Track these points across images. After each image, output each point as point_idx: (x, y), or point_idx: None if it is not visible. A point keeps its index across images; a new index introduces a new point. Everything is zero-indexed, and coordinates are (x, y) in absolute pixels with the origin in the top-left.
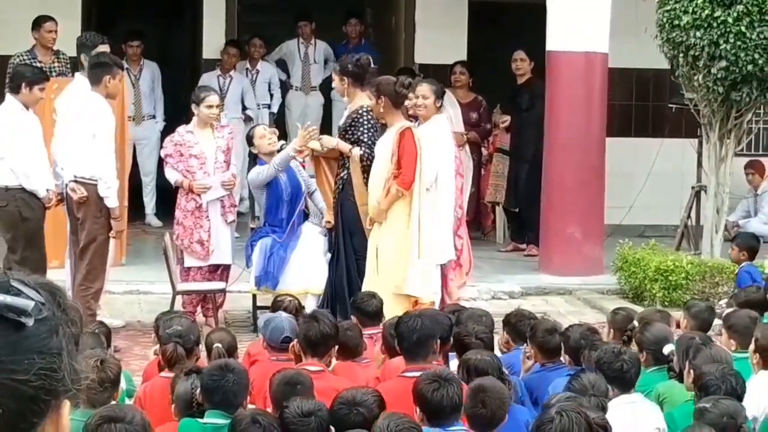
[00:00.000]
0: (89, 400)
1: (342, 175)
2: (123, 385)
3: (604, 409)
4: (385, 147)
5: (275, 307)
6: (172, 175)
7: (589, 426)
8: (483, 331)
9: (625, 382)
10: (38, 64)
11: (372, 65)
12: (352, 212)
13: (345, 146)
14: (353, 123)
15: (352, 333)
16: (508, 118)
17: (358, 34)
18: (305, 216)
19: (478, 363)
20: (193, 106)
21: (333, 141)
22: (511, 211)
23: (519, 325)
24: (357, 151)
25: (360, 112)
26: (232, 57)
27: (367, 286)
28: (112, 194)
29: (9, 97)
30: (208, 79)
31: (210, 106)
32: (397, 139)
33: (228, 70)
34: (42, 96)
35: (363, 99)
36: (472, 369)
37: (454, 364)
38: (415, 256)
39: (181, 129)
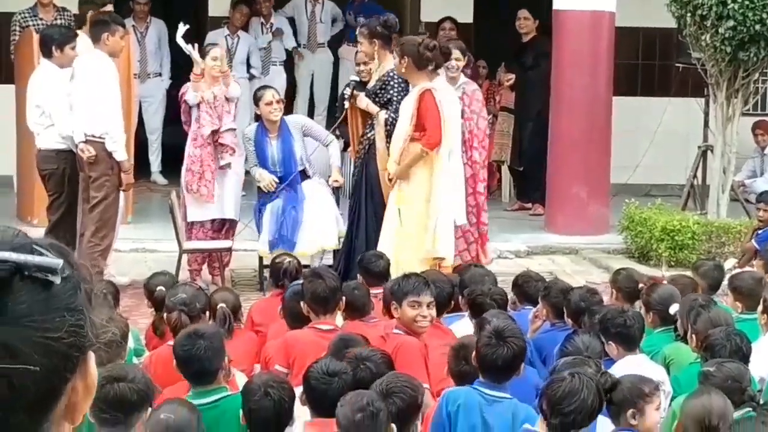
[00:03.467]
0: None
1: (369, 135)
2: (131, 344)
3: (600, 371)
4: (406, 109)
5: (274, 267)
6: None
7: (598, 391)
8: (498, 293)
9: (629, 339)
10: (40, 22)
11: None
12: (376, 173)
13: (374, 108)
14: (384, 86)
15: (360, 292)
16: (512, 76)
17: None
18: (305, 176)
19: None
20: (203, 56)
21: (364, 101)
22: (517, 170)
23: (526, 287)
24: (383, 115)
25: (391, 74)
26: (244, 16)
27: (384, 247)
28: (120, 148)
29: (43, 61)
30: (214, 37)
31: (215, 58)
32: (417, 100)
33: (237, 29)
34: (76, 54)
35: (391, 61)
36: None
37: (462, 323)
38: (443, 218)
39: (186, 86)
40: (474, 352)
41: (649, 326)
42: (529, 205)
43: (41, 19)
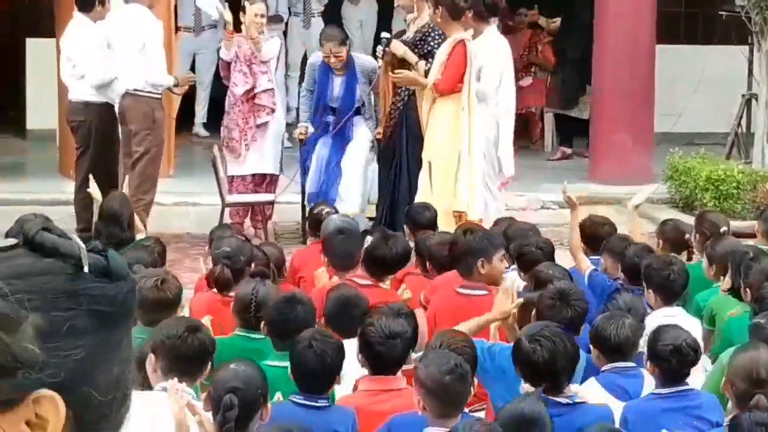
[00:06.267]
0: (148, 319)
1: (409, 88)
2: None
3: (642, 332)
4: (438, 58)
5: (313, 218)
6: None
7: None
8: (543, 241)
9: (670, 292)
10: None
11: None
12: (417, 124)
13: (413, 57)
14: (424, 37)
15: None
16: (558, 19)
17: None
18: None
19: (549, 277)
20: (242, 15)
21: (401, 48)
22: (566, 116)
23: (593, 232)
24: (422, 65)
25: (431, 26)
26: None
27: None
28: (165, 82)
29: (78, 15)
30: None
31: (256, 15)
32: (448, 51)
33: None
34: (110, 8)
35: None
36: (542, 281)
37: (513, 275)
38: (465, 172)
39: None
40: (534, 311)
41: (710, 279)
42: (570, 150)
43: None
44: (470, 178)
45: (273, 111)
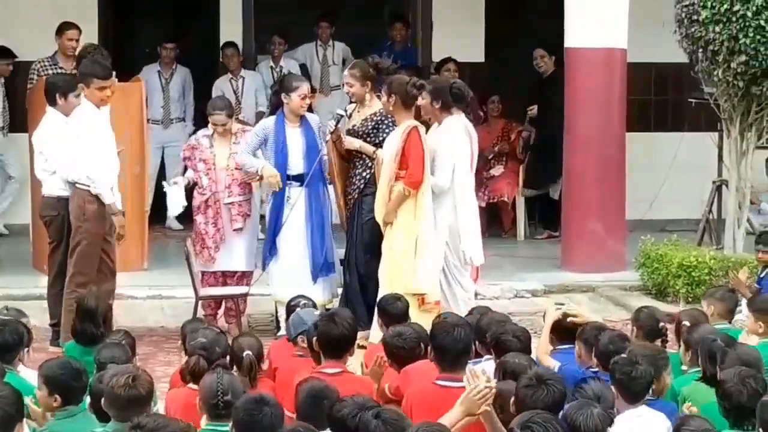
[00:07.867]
0: (122, 416)
1: (365, 174)
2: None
3: (611, 421)
4: (390, 147)
5: (290, 309)
6: (190, 175)
7: None
8: (520, 330)
9: (630, 392)
10: (59, 70)
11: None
12: (371, 213)
13: (369, 148)
14: (376, 125)
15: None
16: (534, 107)
17: (403, 37)
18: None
19: (516, 366)
20: (209, 115)
21: (356, 143)
22: (550, 198)
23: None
24: (381, 153)
25: (382, 113)
26: (232, 58)
27: (384, 288)
28: (104, 191)
29: (49, 109)
30: (221, 83)
31: (215, 125)
32: (403, 138)
33: (236, 72)
34: (78, 102)
35: (378, 104)
36: (509, 372)
37: (489, 365)
38: (428, 254)
39: (200, 133)
40: (512, 398)
41: (686, 365)
42: (557, 234)
43: (60, 67)
44: (430, 262)
45: (249, 215)
